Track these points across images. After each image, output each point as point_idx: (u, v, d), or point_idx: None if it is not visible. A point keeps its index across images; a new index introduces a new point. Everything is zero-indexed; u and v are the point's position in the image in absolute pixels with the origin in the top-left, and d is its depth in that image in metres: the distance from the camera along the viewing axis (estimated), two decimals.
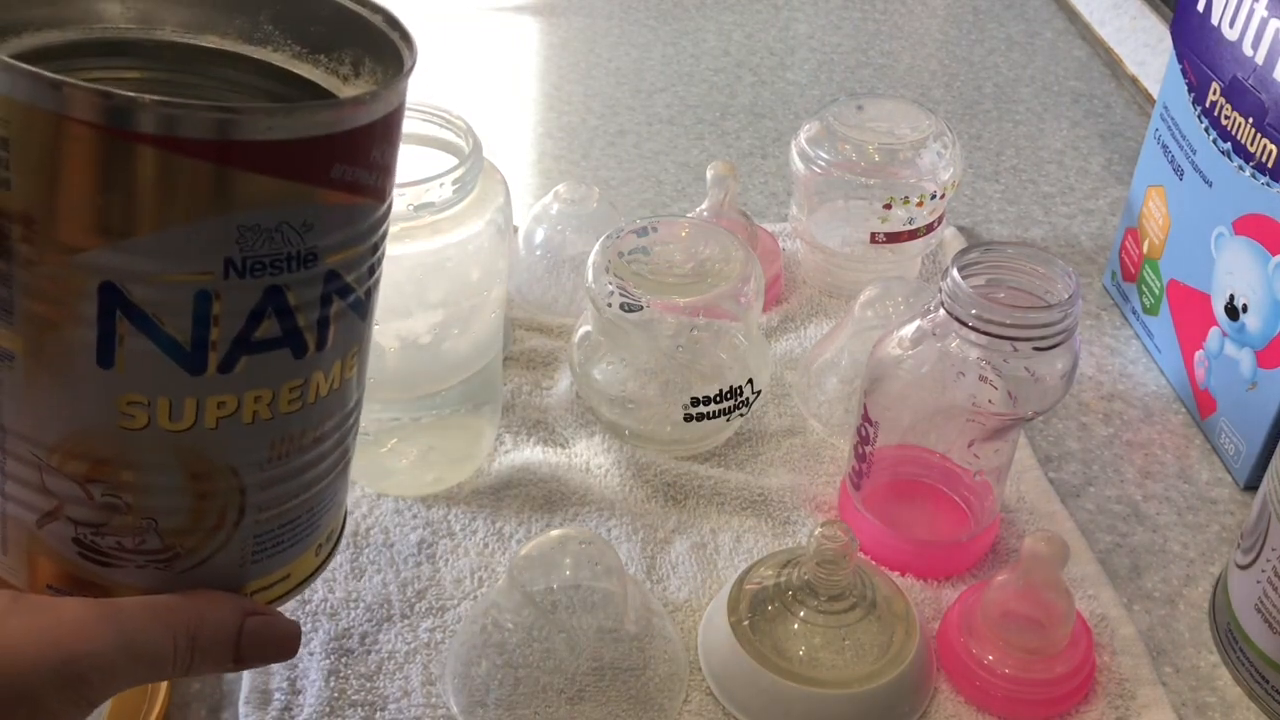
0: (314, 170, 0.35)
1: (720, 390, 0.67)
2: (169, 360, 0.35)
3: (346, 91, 0.41)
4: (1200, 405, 0.75)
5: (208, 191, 0.33)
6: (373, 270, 0.40)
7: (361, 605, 0.61)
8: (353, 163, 0.36)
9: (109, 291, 0.34)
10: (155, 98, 0.32)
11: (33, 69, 0.32)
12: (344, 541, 0.52)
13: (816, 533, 0.56)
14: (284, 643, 0.42)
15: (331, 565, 0.62)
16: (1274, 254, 0.66)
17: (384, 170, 0.38)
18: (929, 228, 0.80)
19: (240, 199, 0.34)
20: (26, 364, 0.36)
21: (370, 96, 0.36)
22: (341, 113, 0.35)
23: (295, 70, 0.42)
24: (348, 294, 0.38)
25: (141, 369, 0.35)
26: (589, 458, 0.70)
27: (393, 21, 0.40)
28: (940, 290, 0.56)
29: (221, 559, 0.40)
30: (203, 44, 0.41)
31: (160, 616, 0.38)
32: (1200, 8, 0.71)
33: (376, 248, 0.40)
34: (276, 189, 0.34)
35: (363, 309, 0.40)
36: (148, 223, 0.33)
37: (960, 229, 0.93)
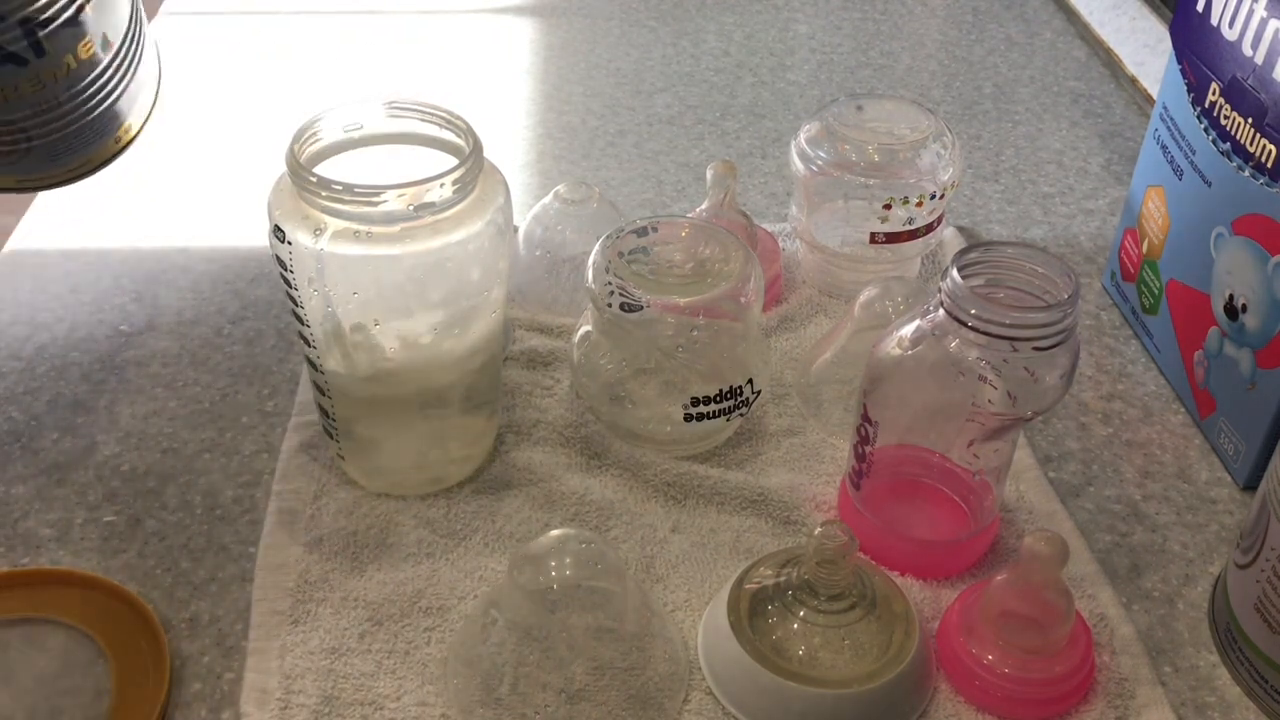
0: None
1: (720, 390, 0.67)
2: None
3: None
4: (1199, 405, 0.75)
5: None
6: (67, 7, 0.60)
7: (360, 605, 0.61)
8: None
9: None
10: None
11: None
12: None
13: (816, 532, 0.56)
14: None
15: (334, 563, 0.63)
16: (1273, 254, 0.66)
17: None
18: (929, 228, 0.80)
19: None
20: None
21: None
22: None
23: None
24: (49, 24, 0.59)
25: None
26: (589, 457, 0.70)
27: None
28: (940, 290, 0.56)
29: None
30: None
31: None
32: (1200, 8, 0.71)
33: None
34: None
35: (73, 21, 0.61)
36: None
37: (960, 229, 0.93)
